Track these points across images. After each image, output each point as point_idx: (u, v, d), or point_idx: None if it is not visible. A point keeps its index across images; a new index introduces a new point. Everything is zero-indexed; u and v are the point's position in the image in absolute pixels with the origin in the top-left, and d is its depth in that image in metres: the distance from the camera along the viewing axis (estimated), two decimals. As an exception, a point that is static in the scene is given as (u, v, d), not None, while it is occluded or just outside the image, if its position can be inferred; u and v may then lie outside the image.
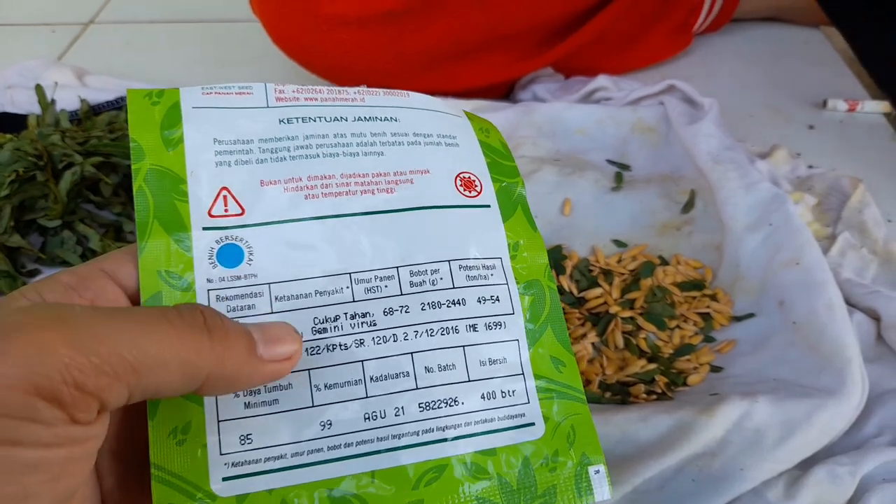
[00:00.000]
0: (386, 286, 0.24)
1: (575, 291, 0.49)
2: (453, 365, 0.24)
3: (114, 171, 0.54)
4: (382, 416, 0.23)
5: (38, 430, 0.16)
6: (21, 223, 0.50)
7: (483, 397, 0.24)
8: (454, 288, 0.25)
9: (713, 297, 0.49)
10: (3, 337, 0.16)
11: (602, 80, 0.64)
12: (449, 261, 0.25)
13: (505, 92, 0.72)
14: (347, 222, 0.25)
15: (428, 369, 0.24)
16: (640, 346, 0.46)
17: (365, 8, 0.64)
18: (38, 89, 0.61)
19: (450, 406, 0.24)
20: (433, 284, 0.25)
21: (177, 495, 0.21)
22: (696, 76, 0.73)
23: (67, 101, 0.64)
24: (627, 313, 0.47)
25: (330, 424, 0.23)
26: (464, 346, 0.24)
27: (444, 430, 0.24)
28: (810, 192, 0.58)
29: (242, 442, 0.22)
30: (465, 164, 0.28)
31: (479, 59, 0.69)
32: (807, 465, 0.39)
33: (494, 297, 0.25)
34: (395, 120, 0.27)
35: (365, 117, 0.27)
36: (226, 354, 0.19)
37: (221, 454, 0.22)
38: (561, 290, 0.48)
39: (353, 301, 0.24)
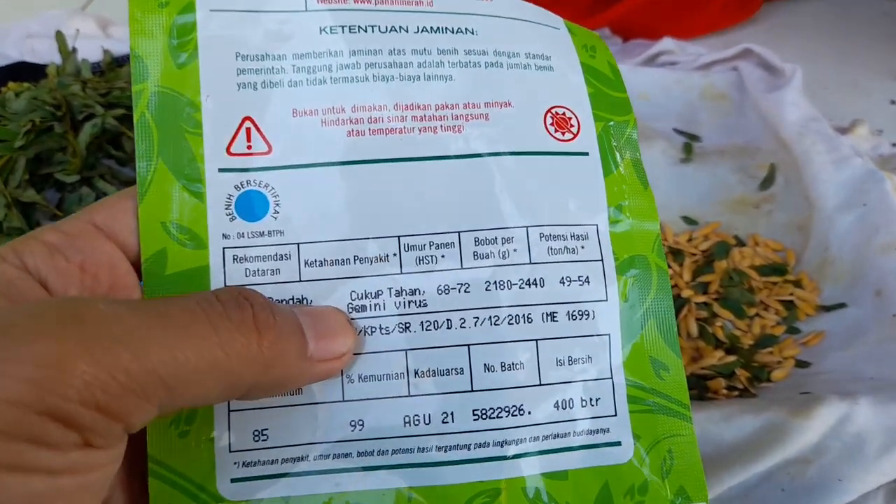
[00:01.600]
0: (443, 256, 0.20)
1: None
2: (521, 364, 0.20)
3: (137, 125, 0.50)
4: (427, 421, 0.19)
5: (47, 456, 0.14)
6: (37, 177, 0.46)
7: (557, 406, 0.20)
8: (531, 263, 0.20)
9: (797, 284, 0.44)
10: (10, 343, 0.13)
11: (666, 43, 0.59)
12: (527, 227, 0.20)
13: (557, 55, 0.67)
14: (400, 169, 0.20)
15: (488, 367, 0.20)
16: (716, 336, 0.41)
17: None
18: (59, 36, 0.57)
19: (513, 415, 0.19)
20: (503, 257, 0.20)
21: (177, 495, 0.18)
22: (764, 46, 0.67)
23: (90, 51, 0.60)
24: (701, 298, 0.43)
25: (362, 425, 0.19)
26: (537, 340, 0.20)
27: (502, 446, 0.19)
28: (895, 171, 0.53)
29: (256, 438, 0.19)
30: (559, 95, 0.22)
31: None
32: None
33: (583, 278, 0.20)
34: (472, 32, 0.22)
35: (431, 28, 0.21)
36: (275, 360, 0.16)
37: (231, 451, 0.19)
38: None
39: (401, 273, 0.20)
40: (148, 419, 0.15)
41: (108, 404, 0.14)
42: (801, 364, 0.40)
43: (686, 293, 0.43)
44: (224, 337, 0.15)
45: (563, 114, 0.22)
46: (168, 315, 0.15)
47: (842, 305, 0.43)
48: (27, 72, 0.60)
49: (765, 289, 0.44)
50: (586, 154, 0.22)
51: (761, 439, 0.34)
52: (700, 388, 0.39)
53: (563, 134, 0.21)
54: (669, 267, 0.45)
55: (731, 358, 0.40)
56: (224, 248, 0.19)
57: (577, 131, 0.22)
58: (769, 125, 0.51)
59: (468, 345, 0.20)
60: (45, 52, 0.62)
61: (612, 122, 0.22)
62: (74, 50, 0.58)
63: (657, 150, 0.52)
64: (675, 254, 0.45)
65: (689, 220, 0.48)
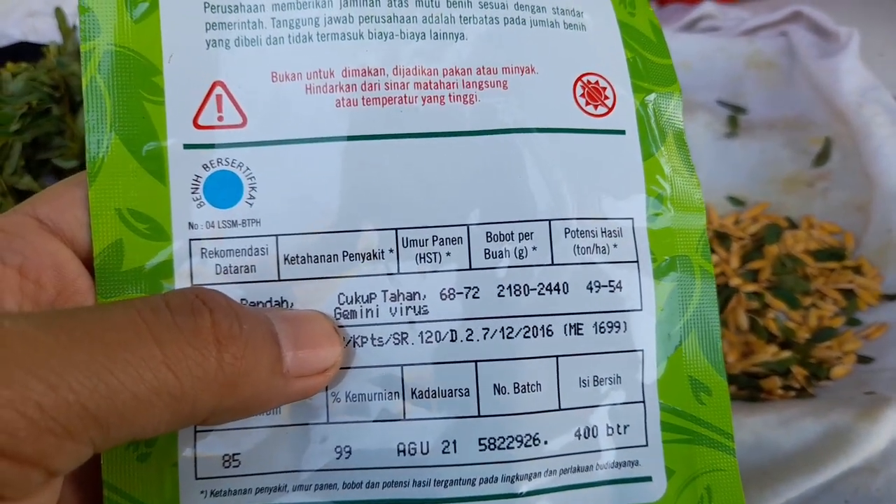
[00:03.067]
0: (448, 254, 0.17)
1: (684, 258, 0.41)
2: (538, 384, 0.17)
3: (141, 106, 0.48)
4: (424, 450, 0.17)
5: None
6: (34, 163, 0.45)
7: (578, 434, 0.18)
8: (553, 264, 0.18)
9: (857, 270, 0.41)
10: None
11: (708, 7, 0.56)
12: (549, 220, 0.18)
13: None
14: (398, 147, 0.17)
15: (498, 388, 0.17)
16: (768, 329, 0.38)
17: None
18: (59, 13, 0.55)
19: (526, 445, 0.17)
20: (520, 256, 0.18)
21: None
22: (815, 7, 0.63)
23: (93, 28, 0.58)
24: (751, 287, 0.40)
25: (349, 452, 0.17)
26: (557, 357, 0.18)
27: (513, 481, 0.17)
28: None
29: (227, 464, 0.17)
30: (592, 60, 0.19)
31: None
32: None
33: (615, 283, 0.18)
34: None
35: None
36: (240, 379, 0.13)
37: (198, 478, 0.17)
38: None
39: (398, 273, 0.17)
40: (78, 460, 0.13)
41: (15, 448, 0.11)
42: (863, 359, 0.38)
43: (734, 282, 0.40)
44: (172, 353, 0.13)
45: (597, 83, 0.19)
46: (97, 330, 0.12)
47: (907, 294, 0.40)
48: (29, 52, 0.58)
49: (821, 276, 0.41)
50: (622, 132, 0.19)
51: (824, 447, 0.32)
52: (752, 388, 0.36)
53: (596, 107, 0.19)
54: (715, 253, 0.42)
55: (786, 353, 0.37)
56: (191, 240, 0.17)
57: (613, 104, 0.19)
58: (823, 95, 0.48)
59: (475, 361, 0.17)
60: (47, 32, 0.60)
61: (653, 94, 0.19)
62: (75, 28, 0.56)
63: (699, 123, 0.49)
64: (722, 238, 0.42)
65: (735, 201, 0.46)
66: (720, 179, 0.47)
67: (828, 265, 0.41)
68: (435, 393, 0.17)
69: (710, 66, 0.52)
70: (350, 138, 0.17)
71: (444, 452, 0.17)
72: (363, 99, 0.18)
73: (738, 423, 0.32)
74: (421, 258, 0.17)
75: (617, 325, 0.18)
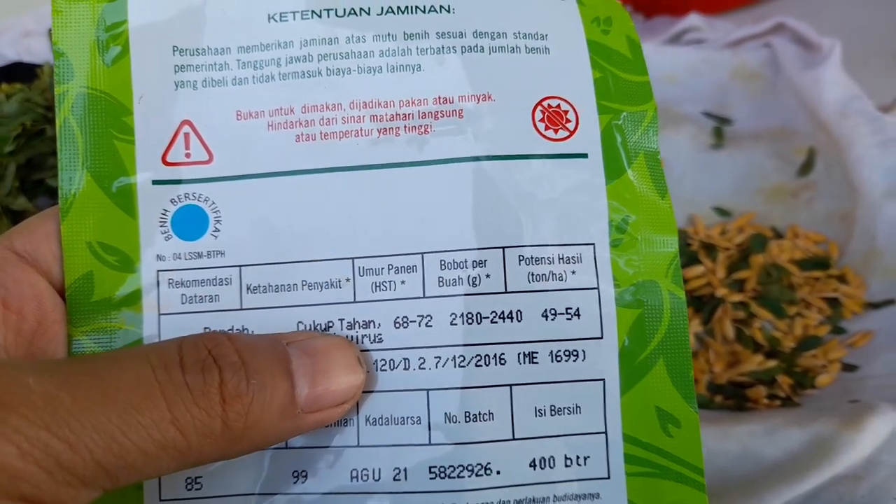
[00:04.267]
0: (402, 282, 0.18)
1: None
2: (490, 413, 0.17)
3: (134, 125, 0.48)
4: (376, 476, 0.17)
5: None
6: (28, 183, 0.45)
7: (533, 465, 0.17)
8: (506, 293, 0.18)
9: (841, 279, 0.41)
10: None
11: (693, 20, 0.55)
12: (503, 248, 0.18)
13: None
14: (355, 180, 0.18)
15: (450, 417, 0.17)
16: (754, 338, 0.38)
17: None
18: (52, 34, 0.55)
19: (477, 475, 0.17)
20: (473, 284, 0.18)
21: None
22: (799, 18, 0.63)
23: (87, 48, 0.58)
24: (737, 297, 0.40)
25: (305, 476, 0.17)
26: (511, 386, 0.17)
27: None
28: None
29: (189, 486, 0.17)
30: (554, 83, 0.19)
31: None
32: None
33: (572, 311, 0.18)
34: (448, 10, 0.19)
35: (398, 8, 0.18)
36: (245, 432, 0.14)
37: (161, 500, 0.17)
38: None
39: (354, 301, 0.18)
40: (89, 501, 0.13)
41: (38, 497, 0.13)
42: (848, 367, 0.37)
43: (720, 292, 0.40)
44: (180, 413, 0.13)
45: (558, 106, 0.18)
46: (112, 390, 0.13)
47: (891, 302, 0.40)
48: (23, 73, 0.58)
49: (806, 285, 0.41)
50: (584, 156, 0.18)
51: (808, 455, 0.32)
52: (738, 398, 0.36)
53: (556, 131, 0.18)
54: (701, 263, 0.41)
55: (772, 362, 0.37)
56: (158, 271, 0.18)
57: (575, 127, 0.18)
58: (807, 106, 0.48)
59: (427, 389, 0.17)
60: (42, 52, 0.60)
61: (623, 114, 0.19)
62: (69, 47, 0.56)
63: (685, 135, 0.49)
64: (708, 249, 0.42)
65: (721, 212, 0.46)
66: (706, 190, 0.46)
67: (813, 274, 0.41)
68: (388, 420, 0.17)
69: (695, 79, 0.52)
70: (309, 172, 0.18)
71: (395, 480, 0.17)
72: (321, 134, 0.18)
73: (724, 433, 0.32)
74: (376, 287, 0.17)
75: (575, 353, 0.18)
